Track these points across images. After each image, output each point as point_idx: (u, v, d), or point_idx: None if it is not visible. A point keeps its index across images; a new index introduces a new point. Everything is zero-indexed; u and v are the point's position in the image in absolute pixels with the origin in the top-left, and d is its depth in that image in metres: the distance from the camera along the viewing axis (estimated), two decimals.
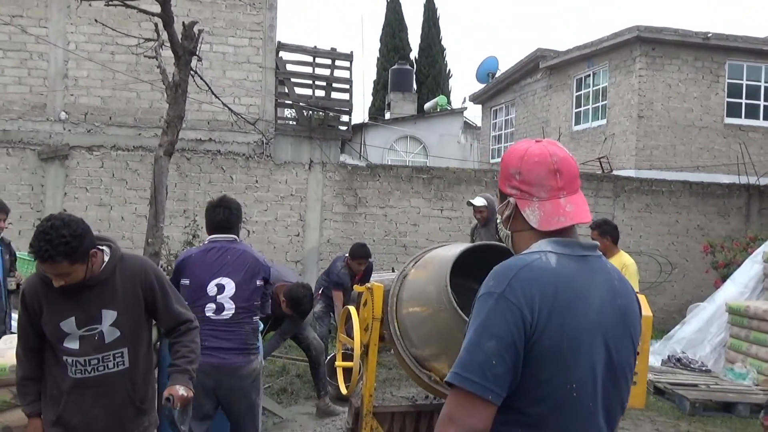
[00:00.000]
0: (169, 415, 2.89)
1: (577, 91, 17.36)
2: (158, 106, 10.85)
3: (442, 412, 1.83)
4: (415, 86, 27.50)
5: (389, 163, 15.58)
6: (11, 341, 4.77)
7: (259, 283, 4.35)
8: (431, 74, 30.17)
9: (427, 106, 26.67)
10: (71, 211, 10.55)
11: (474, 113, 28.99)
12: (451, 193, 11.81)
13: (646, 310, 5.02)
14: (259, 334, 4.92)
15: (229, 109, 9.60)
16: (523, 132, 19.83)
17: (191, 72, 8.47)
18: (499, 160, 15.07)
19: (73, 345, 2.90)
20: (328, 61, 11.67)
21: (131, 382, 3.02)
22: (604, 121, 15.90)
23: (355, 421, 4.96)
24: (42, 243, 2.69)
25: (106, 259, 2.96)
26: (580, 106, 17.19)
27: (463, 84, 49.62)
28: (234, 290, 4.23)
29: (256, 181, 11.21)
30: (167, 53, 9.33)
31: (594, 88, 16.61)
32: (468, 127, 27.03)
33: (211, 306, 4.21)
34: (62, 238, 2.69)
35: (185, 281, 4.27)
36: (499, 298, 1.79)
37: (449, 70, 31.41)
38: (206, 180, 11.01)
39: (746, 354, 8.27)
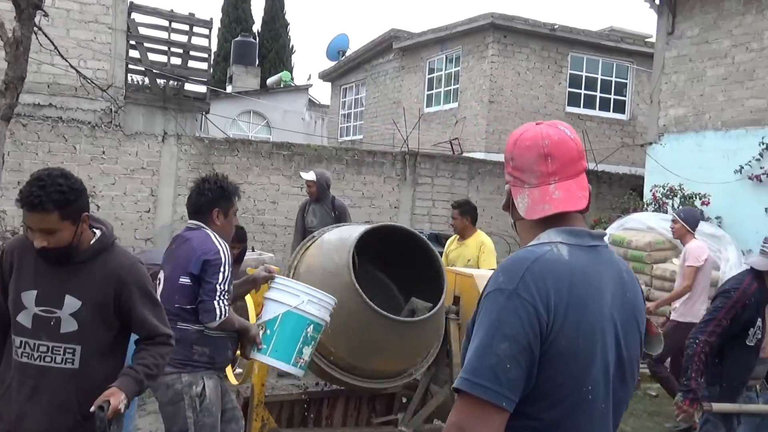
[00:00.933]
0: (101, 427, 2.48)
1: (429, 74, 17.66)
2: None
3: (448, 421, 1.67)
4: (257, 60, 26.85)
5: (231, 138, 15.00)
6: None
7: (183, 280, 3.44)
8: (274, 48, 29.65)
9: (270, 81, 26.16)
10: None
11: (319, 91, 28.72)
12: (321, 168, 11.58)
13: None
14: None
15: (79, 73, 8.75)
16: (374, 111, 19.92)
17: (35, 28, 7.61)
18: (348, 138, 15.09)
19: (26, 322, 2.58)
20: (185, 27, 10.97)
21: (77, 387, 2.60)
22: (455, 104, 16.30)
23: (244, 412, 4.68)
24: (34, 188, 2.44)
25: (93, 241, 2.63)
26: (432, 89, 17.52)
27: (306, 60, 49.25)
28: (161, 287, 3.54)
29: (103, 153, 10.35)
30: (5, 5, 8.33)
31: (446, 72, 16.98)
32: (312, 104, 26.82)
33: None
34: (58, 186, 2.46)
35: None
36: (511, 295, 1.64)
37: (292, 46, 31.00)
38: (45, 149, 10.00)
39: None
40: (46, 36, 8.10)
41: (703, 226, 9.38)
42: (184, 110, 10.86)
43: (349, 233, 4.64)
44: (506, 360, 1.60)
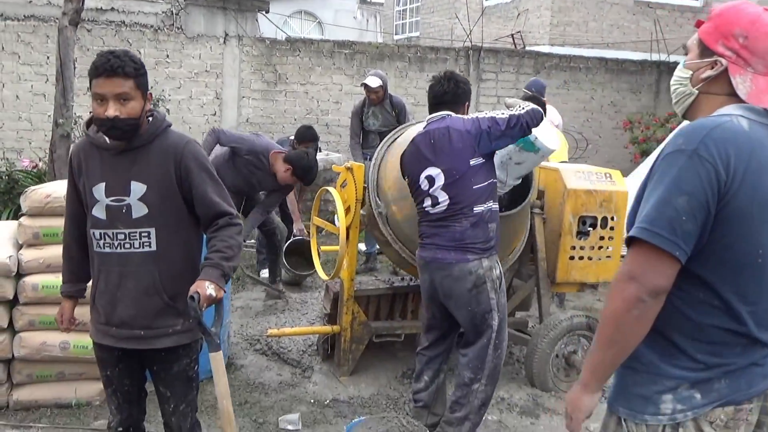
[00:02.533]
0: (195, 316, 2.57)
1: None
2: None
3: (620, 270, 1.79)
4: None
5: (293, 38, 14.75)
6: None
7: (475, 162, 3.63)
8: None
9: None
10: None
11: None
12: (374, 69, 11.36)
13: (624, 186, 5.03)
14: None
15: None
16: (431, 6, 19.29)
17: None
18: (403, 35, 14.67)
19: (101, 215, 2.69)
20: None
21: (158, 269, 2.71)
22: None
23: (334, 306, 4.79)
24: (110, 57, 2.53)
25: (148, 125, 2.70)
26: None
27: None
28: (443, 179, 3.66)
29: (167, 56, 10.32)
30: None
31: None
32: (364, 1, 26.13)
33: (428, 200, 3.72)
34: (131, 57, 2.58)
35: (407, 179, 3.91)
36: (692, 155, 1.73)
37: None
38: None
39: None
40: None
41: None
42: (244, 10, 10.68)
43: None
44: (683, 213, 1.70)
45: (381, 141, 4.95)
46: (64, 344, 4.06)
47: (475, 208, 3.61)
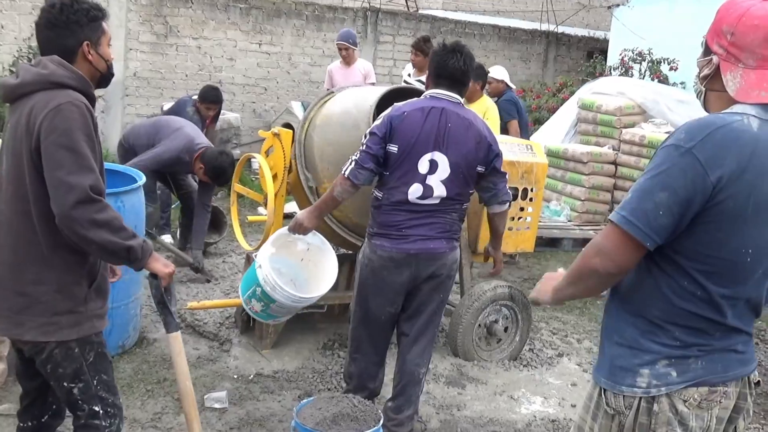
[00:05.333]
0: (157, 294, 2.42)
1: None
2: None
3: (592, 242, 1.91)
4: None
5: None
6: None
7: (480, 169, 3.50)
8: None
9: None
10: None
11: None
12: (271, 26, 10.97)
13: (544, 158, 5.13)
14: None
15: None
16: None
17: None
18: None
19: None
20: None
21: None
22: None
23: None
24: None
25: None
26: None
27: None
28: (448, 171, 3.41)
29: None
30: None
31: None
32: None
33: (417, 188, 3.39)
34: None
35: (393, 147, 3.38)
36: (685, 153, 1.76)
37: None
38: None
39: (561, 193, 8.96)
40: None
41: (671, 91, 9.50)
42: None
43: (369, 92, 4.44)
44: (661, 207, 1.77)
45: None
46: None
47: (464, 204, 3.57)
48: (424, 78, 7.69)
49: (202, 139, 5.75)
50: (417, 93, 4.55)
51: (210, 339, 4.62)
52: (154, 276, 2.60)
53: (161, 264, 2.57)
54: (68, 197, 2.25)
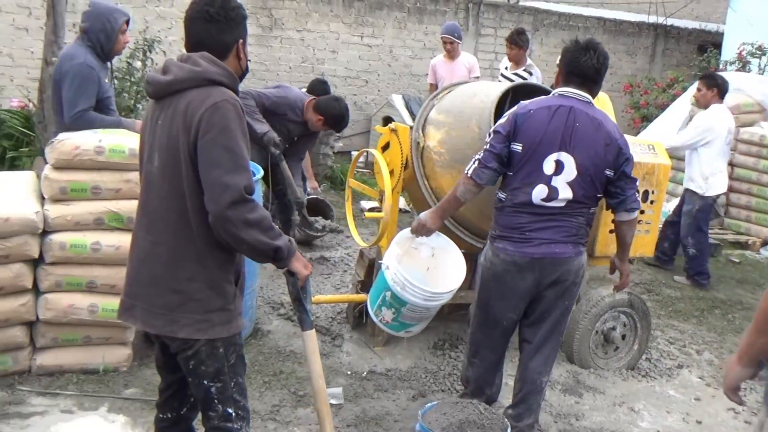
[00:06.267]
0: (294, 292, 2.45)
1: None
2: None
3: None
4: None
5: None
6: None
7: (608, 173, 3.34)
8: None
9: None
10: None
11: None
12: (373, 18, 10.98)
13: (667, 158, 4.89)
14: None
15: None
16: None
17: None
18: None
19: None
20: None
21: None
22: None
23: (368, 274, 4.60)
24: None
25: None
26: None
27: None
28: (575, 173, 3.28)
29: None
30: None
31: None
32: None
33: (542, 189, 3.28)
34: None
35: (517, 146, 3.29)
36: None
37: None
38: None
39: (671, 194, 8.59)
40: None
41: None
42: None
43: (487, 89, 4.34)
44: None
45: None
46: (93, 307, 3.81)
47: (591, 208, 3.43)
48: (520, 71, 7.61)
49: (299, 94, 5.84)
50: (543, 91, 4.43)
51: (322, 333, 4.64)
52: (291, 274, 2.60)
53: (302, 264, 2.57)
54: (224, 197, 2.25)
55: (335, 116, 5.51)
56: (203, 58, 2.40)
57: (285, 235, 2.44)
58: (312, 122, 5.58)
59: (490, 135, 3.40)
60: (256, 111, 5.37)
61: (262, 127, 5.35)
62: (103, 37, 4.30)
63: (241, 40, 2.47)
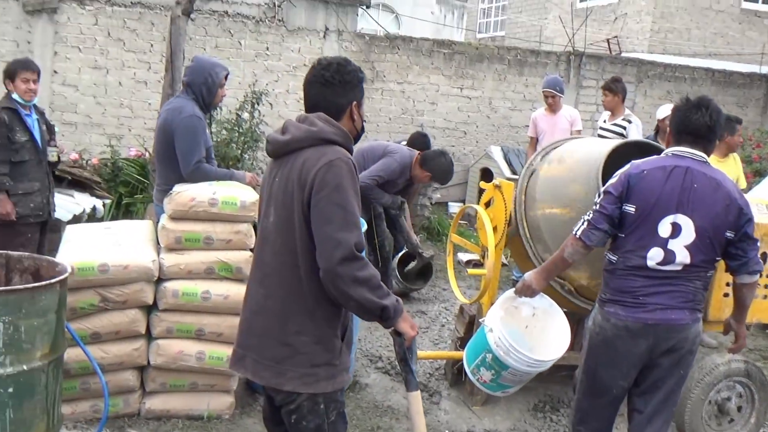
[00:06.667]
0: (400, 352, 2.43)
1: None
2: None
3: None
4: None
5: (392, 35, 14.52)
6: (96, 234, 4.11)
7: (729, 235, 3.18)
8: None
9: None
10: (63, 74, 9.48)
11: None
12: (472, 70, 11.08)
13: None
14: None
15: None
16: (518, 5, 18.87)
17: None
18: (487, 34, 14.38)
19: None
20: None
21: None
22: None
23: (468, 330, 4.55)
24: None
25: None
26: None
27: None
28: (694, 236, 3.16)
29: (267, 48, 10.21)
30: None
31: None
32: None
33: (657, 253, 3.18)
34: None
35: (630, 208, 3.20)
36: None
37: None
38: (212, 44, 9.96)
39: None
40: None
41: None
42: (345, 4, 10.50)
43: (594, 147, 4.26)
44: None
45: None
46: (200, 354, 3.92)
47: (709, 272, 3.29)
48: (618, 120, 7.44)
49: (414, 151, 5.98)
50: (653, 149, 4.32)
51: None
52: (398, 334, 2.60)
53: (408, 324, 2.56)
54: (335, 253, 2.30)
55: (442, 171, 5.70)
56: (319, 119, 2.49)
57: (393, 295, 2.45)
58: (419, 177, 5.75)
59: (600, 195, 3.32)
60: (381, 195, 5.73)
61: (383, 199, 5.62)
62: (204, 89, 4.50)
63: (355, 102, 2.55)
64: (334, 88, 2.51)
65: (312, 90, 2.56)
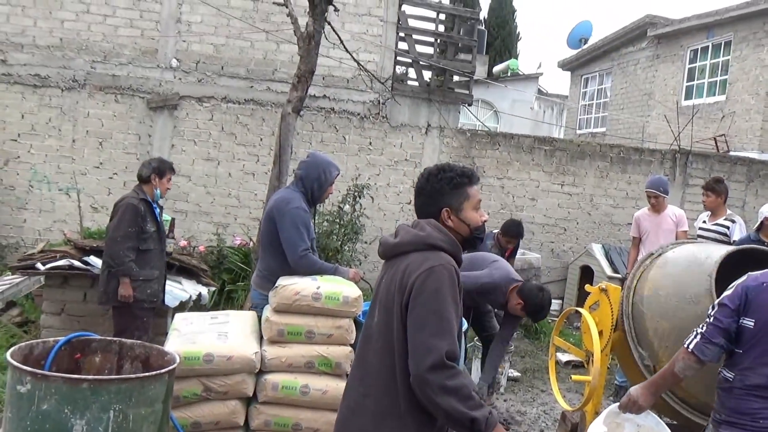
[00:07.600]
0: None
1: (690, 63, 16.21)
2: (272, 58, 10.21)
3: None
4: (485, 48, 26.34)
5: (493, 131, 14.70)
6: (202, 323, 4.23)
7: None
8: (500, 35, 28.82)
9: (496, 69, 25.64)
10: (178, 165, 10.03)
11: (547, 80, 27.68)
12: (574, 167, 11.00)
13: None
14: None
15: (362, 67, 8.90)
16: (620, 103, 18.75)
17: (325, 23, 7.79)
18: (587, 130, 14.36)
19: None
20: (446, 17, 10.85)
21: None
22: (722, 97, 14.80)
23: None
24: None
25: None
26: (693, 80, 16.06)
27: (532, 48, 48.04)
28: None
29: (370, 143, 10.53)
30: (298, 0, 8.65)
31: (712, 61, 15.46)
32: (541, 93, 25.95)
33: None
34: None
35: (748, 322, 3.07)
36: None
37: (519, 33, 30.06)
38: (318, 139, 10.37)
39: None
40: (334, 31, 8.31)
41: None
42: (448, 102, 10.76)
43: (704, 254, 4.10)
44: None
45: None
46: None
47: None
48: (720, 221, 7.11)
49: (518, 276, 5.71)
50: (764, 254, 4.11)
51: None
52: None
53: None
54: (425, 359, 2.28)
55: (536, 305, 5.30)
56: (428, 224, 2.52)
57: (486, 407, 2.37)
58: (512, 305, 5.39)
59: (714, 307, 3.15)
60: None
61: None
62: (316, 185, 4.65)
63: (447, 209, 2.55)
64: (423, 197, 2.60)
65: (415, 197, 2.67)
